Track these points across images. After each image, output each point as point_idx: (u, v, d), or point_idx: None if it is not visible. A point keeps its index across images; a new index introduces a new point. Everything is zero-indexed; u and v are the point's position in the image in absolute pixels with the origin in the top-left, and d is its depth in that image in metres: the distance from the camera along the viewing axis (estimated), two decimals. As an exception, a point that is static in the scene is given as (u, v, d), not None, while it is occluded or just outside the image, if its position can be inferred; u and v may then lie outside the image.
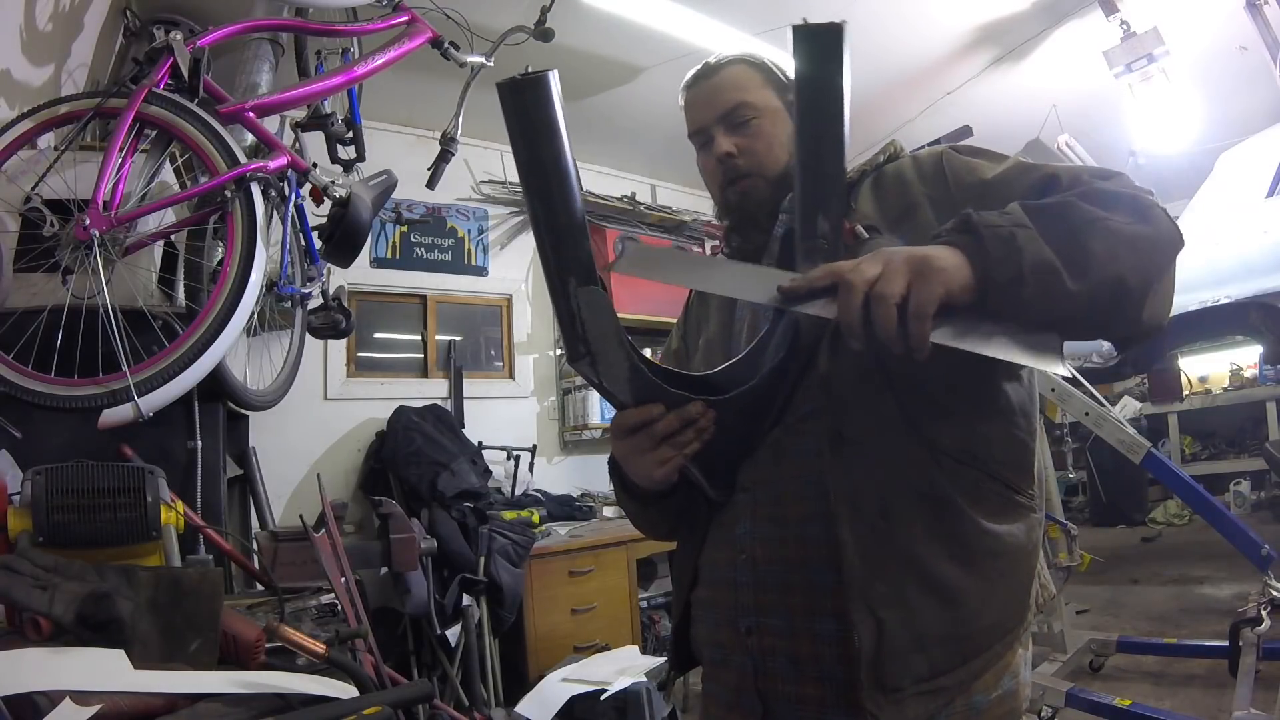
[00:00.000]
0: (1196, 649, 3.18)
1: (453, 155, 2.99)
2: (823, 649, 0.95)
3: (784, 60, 1.12)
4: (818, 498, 0.96)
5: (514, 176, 4.87)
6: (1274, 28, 3.78)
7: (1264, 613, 2.72)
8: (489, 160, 4.91)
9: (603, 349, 0.89)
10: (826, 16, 1.26)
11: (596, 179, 5.31)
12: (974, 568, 0.93)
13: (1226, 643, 2.81)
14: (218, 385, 2.31)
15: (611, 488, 4.05)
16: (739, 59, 1.20)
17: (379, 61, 2.51)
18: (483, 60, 2.90)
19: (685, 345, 1.32)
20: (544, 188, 0.86)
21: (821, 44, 0.90)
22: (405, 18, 2.66)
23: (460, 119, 2.97)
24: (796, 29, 0.90)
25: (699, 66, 1.23)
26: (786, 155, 1.13)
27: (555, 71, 0.84)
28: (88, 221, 1.63)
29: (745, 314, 1.18)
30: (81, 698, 1.04)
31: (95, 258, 1.64)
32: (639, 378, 0.91)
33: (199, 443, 2.36)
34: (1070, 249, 0.80)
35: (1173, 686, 3.12)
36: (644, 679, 2.77)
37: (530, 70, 0.84)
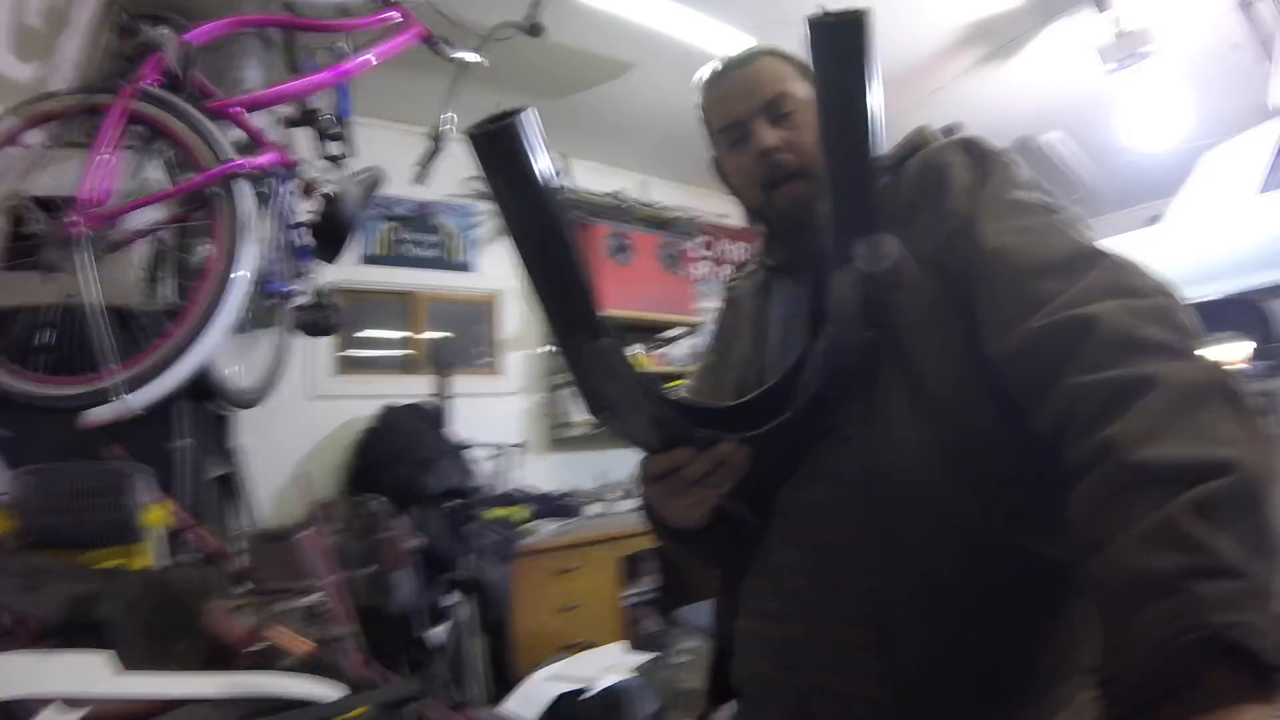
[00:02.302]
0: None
1: (442, 151, 2.98)
2: (871, 687, 0.87)
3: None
4: (853, 526, 0.90)
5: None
6: (1266, 26, 3.80)
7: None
8: (478, 156, 4.87)
9: (622, 401, 0.82)
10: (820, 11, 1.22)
11: (586, 174, 5.29)
12: (1013, 625, 0.84)
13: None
14: (205, 383, 2.29)
15: (597, 485, 4.03)
16: (767, 51, 1.09)
17: (369, 57, 2.50)
18: (474, 56, 2.89)
19: (720, 360, 1.23)
20: (536, 245, 0.77)
21: (846, 39, 0.77)
22: (396, 13, 2.65)
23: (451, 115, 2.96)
24: (815, 22, 0.77)
25: (719, 63, 1.10)
26: None
27: (532, 109, 0.74)
28: (75, 219, 1.62)
29: (779, 330, 1.09)
30: (70, 702, 1.03)
31: (82, 255, 1.63)
32: (665, 424, 0.85)
33: (185, 441, 2.34)
34: None
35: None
36: (631, 676, 2.78)
37: (503, 110, 0.74)
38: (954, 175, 0.92)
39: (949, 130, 1.04)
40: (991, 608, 0.83)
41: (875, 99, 0.80)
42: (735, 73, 1.08)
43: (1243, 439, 0.61)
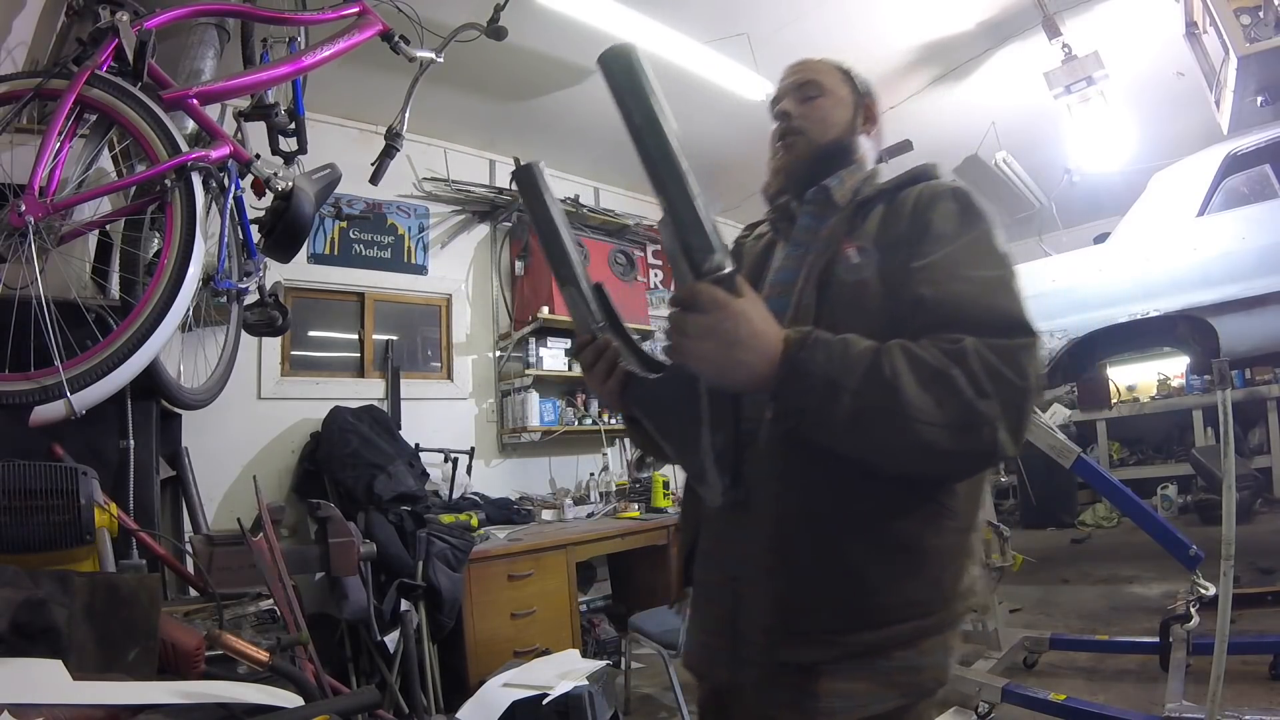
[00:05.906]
0: (1128, 645, 3.30)
1: (397, 151, 2.95)
2: (776, 584, 1.12)
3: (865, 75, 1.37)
4: (780, 484, 1.13)
5: (457, 174, 4.85)
6: (1210, 56, 3.95)
7: (1193, 610, 2.85)
8: (432, 157, 4.84)
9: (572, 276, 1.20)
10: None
11: (540, 180, 5.27)
12: (882, 556, 1.07)
13: (1157, 639, 2.94)
14: (151, 382, 2.22)
15: (549, 491, 4.08)
16: (830, 60, 1.37)
17: (327, 53, 2.46)
18: (433, 56, 2.86)
19: None
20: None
21: (620, 70, 0.96)
22: (356, 9, 2.61)
23: (407, 115, 2.92)
24: (600, 57, 0.97)
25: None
26: (836, 134, 1.30)
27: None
28: (23, 207, 1.55)
29: (770, 288, 1.28)
30: (19, 711, 0.98)
31: (30, 246, 1.56)
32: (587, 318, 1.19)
33: (132, 442, 2.26)
34: (856, 435, 0.97)
35: (1105, 681, 3.22)
36: (585, 682, 2.76)
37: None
38: (925, 227, 1.10)
39: (898, 149, 1.17)
40: (856, 554, 1.07)
41: (662, 117, 0.97)
42: (793, 64, 1.38)
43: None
